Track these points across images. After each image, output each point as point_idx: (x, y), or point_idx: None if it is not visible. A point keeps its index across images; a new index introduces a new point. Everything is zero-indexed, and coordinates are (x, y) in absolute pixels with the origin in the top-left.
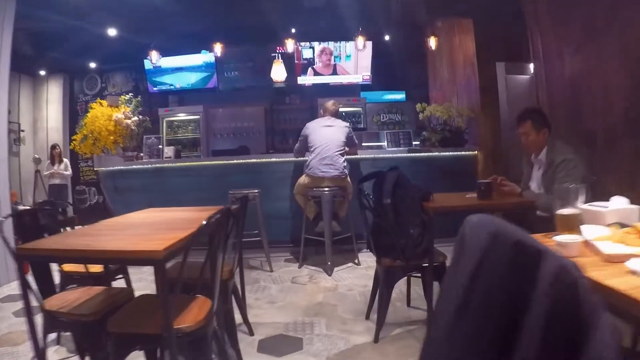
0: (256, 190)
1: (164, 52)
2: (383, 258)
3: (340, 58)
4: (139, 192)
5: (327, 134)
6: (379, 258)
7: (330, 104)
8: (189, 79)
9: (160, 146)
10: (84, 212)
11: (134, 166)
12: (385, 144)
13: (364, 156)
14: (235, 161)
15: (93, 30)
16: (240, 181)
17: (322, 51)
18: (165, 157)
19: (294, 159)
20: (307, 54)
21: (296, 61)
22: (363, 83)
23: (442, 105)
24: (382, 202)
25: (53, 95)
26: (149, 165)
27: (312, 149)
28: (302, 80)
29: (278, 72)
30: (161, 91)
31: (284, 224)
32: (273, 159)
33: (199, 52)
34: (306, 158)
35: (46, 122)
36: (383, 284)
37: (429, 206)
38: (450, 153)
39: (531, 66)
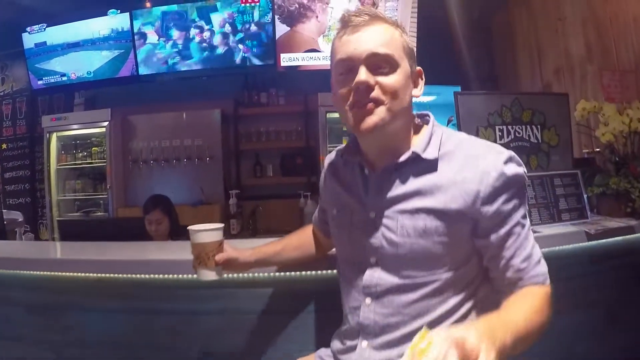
0: None
1: (51, 19)
2: None
3: None
4: None
5: None
6: None
7: None
8: (91, 63)
9: None
10: None
11: None
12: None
13: None
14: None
15: None
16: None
17: None
18: None
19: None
20: None
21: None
22: None
23: None
24: None
25: None
26: None
27: None
28: (289, 58)
29: None
30: (49, 86)
31: None
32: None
33: (105, 14)
34: None
35: None
36: None
37: None
38: None
39: None
